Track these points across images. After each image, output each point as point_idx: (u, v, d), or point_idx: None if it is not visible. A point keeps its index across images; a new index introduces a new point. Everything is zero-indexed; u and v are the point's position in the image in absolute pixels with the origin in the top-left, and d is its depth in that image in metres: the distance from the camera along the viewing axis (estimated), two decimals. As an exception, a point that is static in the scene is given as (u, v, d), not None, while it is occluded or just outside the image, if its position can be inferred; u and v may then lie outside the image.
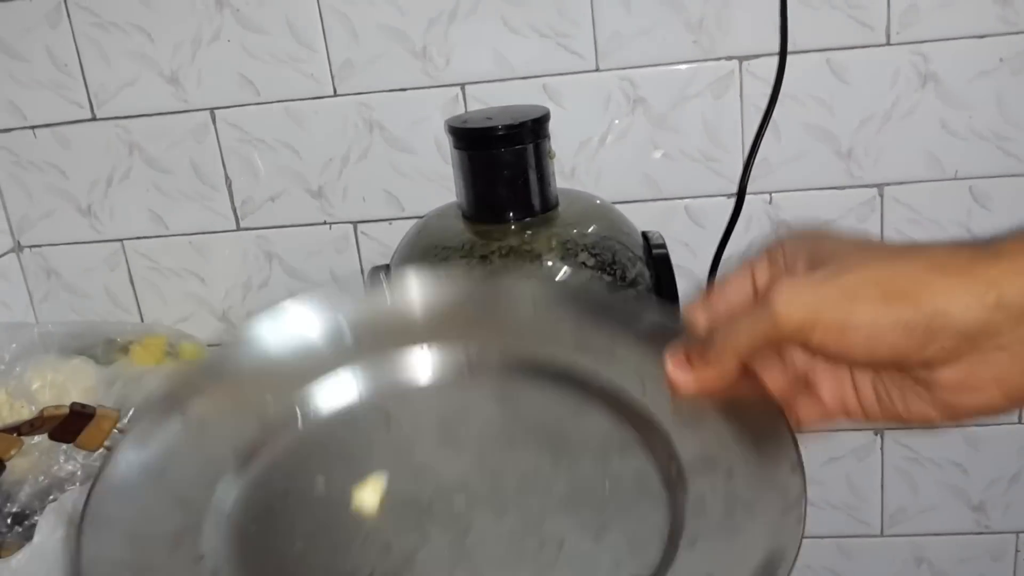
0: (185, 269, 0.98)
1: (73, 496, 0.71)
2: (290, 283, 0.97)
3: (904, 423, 0.44)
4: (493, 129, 0.74)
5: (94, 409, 0.72)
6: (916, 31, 0.81)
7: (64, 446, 0.76)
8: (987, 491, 0.95)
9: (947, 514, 0.97)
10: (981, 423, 0.93)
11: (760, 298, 0.43)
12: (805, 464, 0.98)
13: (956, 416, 0.42)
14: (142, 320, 1.00)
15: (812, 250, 0.44)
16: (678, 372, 0.47)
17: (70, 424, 0.71)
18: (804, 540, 1.01)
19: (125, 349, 0.92)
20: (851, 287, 0.40)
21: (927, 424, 0.43)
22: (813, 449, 0.95)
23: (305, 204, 0.93)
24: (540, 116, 0.75)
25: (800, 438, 0.45)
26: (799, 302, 0.41)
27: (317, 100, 0.90)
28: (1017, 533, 0.97)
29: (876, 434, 0.95)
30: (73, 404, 0.72)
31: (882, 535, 0.98)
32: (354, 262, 0.95)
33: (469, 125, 0.76)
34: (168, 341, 0.94)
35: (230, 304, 0.98)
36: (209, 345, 0.96)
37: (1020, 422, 0.92)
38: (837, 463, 0.96)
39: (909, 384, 0.42)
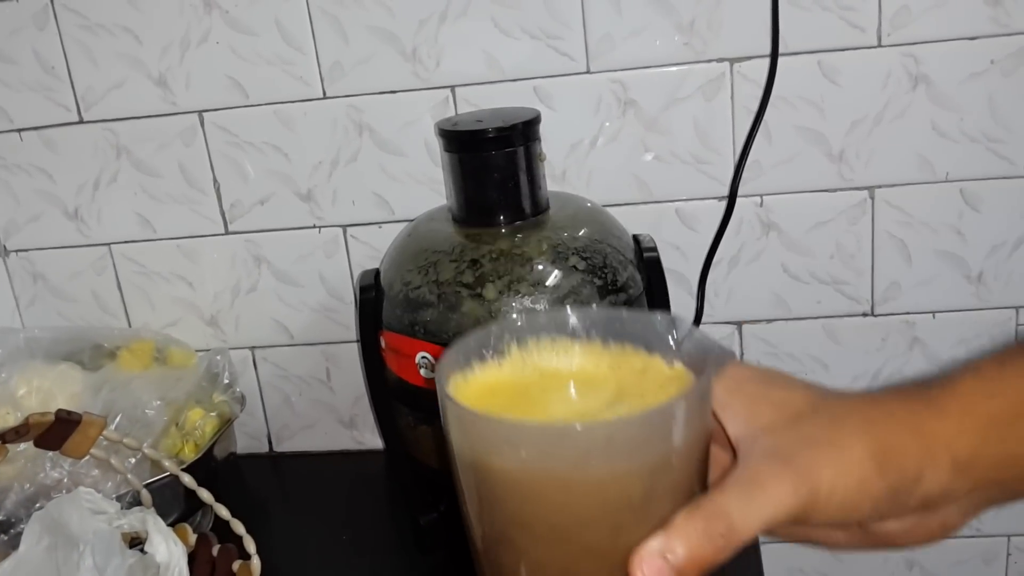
0: (173, 273, 0.97)
1: (59, 504, 0.70)
2: (279, 287, 0.96)
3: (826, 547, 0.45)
4: (483, 132, 0.73)
5: (80, 416, 0.72)
6: (907, 33, 0.81)
7: (50, 453, 0.76)
8: (979, 494, 0.95)
9: (939, 517, 0.96)
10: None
11: (781, 463, 0.40)
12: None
13: (886, 547, 0.43)
14: (130, 325, 0.99)
15: (771, 399, 0.42)
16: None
17: (56, 431, 0.70)
18: (797, 544, 1.01)
19: (112, 354, 0.92)
20: (855, 459, 0.40)
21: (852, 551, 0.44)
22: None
23: (294, 207, 0.93)
24: (531, 119, 0.75)
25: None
26: (841, 481, 0.39)
27: (306, 102, 0.89)
28: (1009, 536, 0.96)
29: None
30: (59, 411, 0.71)
31: (874, 538, 0.98)
32: (344, 266, 0.94)
33: (459, 128, 0.75)
34: (156, 346, 0.93)
35: (219, 308, 0.98)
36: (198, 351, 0.96)
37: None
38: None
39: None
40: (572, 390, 0.45)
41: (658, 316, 0.44)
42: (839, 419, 0.41)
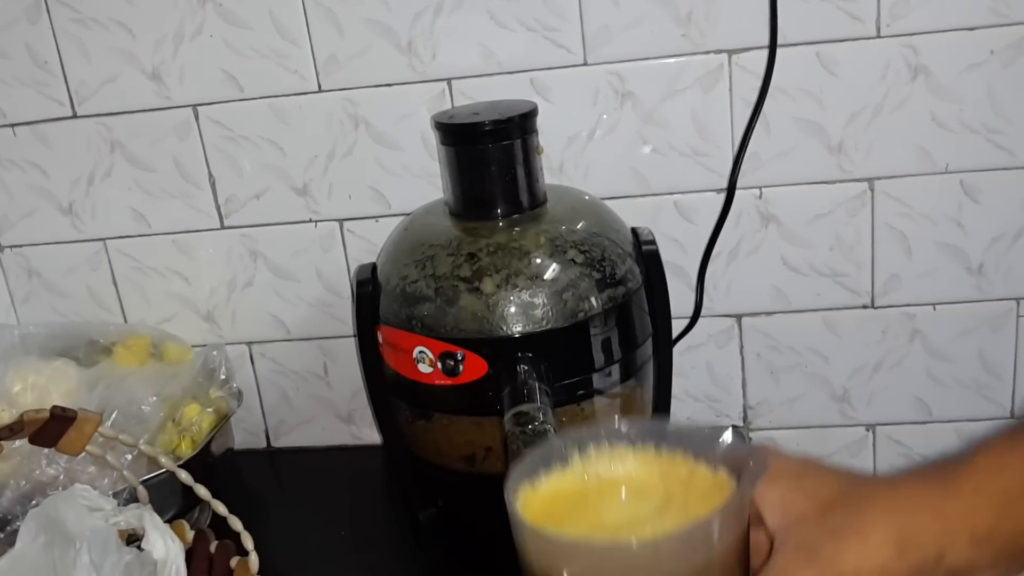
0: (169, 268, 0.96)
1: (55, 501, 0.70)
2: (275, 282, 0.95)
3: None
4: (480, 124, 0.73)
5: (75, 413, 0.71)
6: (906, 23, 0.81)
7: (46, 450, 0.75)
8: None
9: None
10: (971, 418, 0.92)
11: (806, 556, 0.45)
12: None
13: None
14: (125, 321, 0.99)
15: (804, 490, 0.47)
16: None
17: (51, 428, 0.70)
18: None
19: (108, 350, 0.91)
20: (876, 546, 0.44)
21: None
22: (805, 446, 0.95)
23: (290, 202, 0.92)
24: (528, 111, 0.74)
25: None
26: (864, 567, 0.44)
27: (301, 96, 0.89)
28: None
29: (868, 430, 0.94)
30: (54, 408, 0.70)
31: (874, 531, 0.98)
32: (340, 260, 0.94)
33: (455, 120, 0.74)
34: (152, 342, 0.93)
35: (215, 304, 0.97)
36: (194, 346, 0.95)
37: (1012, 416, 0.92)
38: (830, 459, 0.95)
39: None
40: (624, 497, 0.50)
41: (706, 428, 0.50)
42: (863, 508, 0.45)
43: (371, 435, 0.99)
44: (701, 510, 0.45)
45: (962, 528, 0.44)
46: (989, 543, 0.44)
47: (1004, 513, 0.44)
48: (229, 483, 0.91)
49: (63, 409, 0.71)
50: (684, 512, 0.47)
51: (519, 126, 0.73)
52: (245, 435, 1.01)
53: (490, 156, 0.74)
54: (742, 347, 0.93)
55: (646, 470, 0.50)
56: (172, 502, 0.81)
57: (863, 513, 0.45)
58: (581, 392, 0.73)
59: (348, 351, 0.97)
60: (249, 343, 0.98)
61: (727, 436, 0.49)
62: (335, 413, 1.00)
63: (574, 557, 0.45)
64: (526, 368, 0.69)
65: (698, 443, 0.50)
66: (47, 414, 0.70)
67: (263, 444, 1.02)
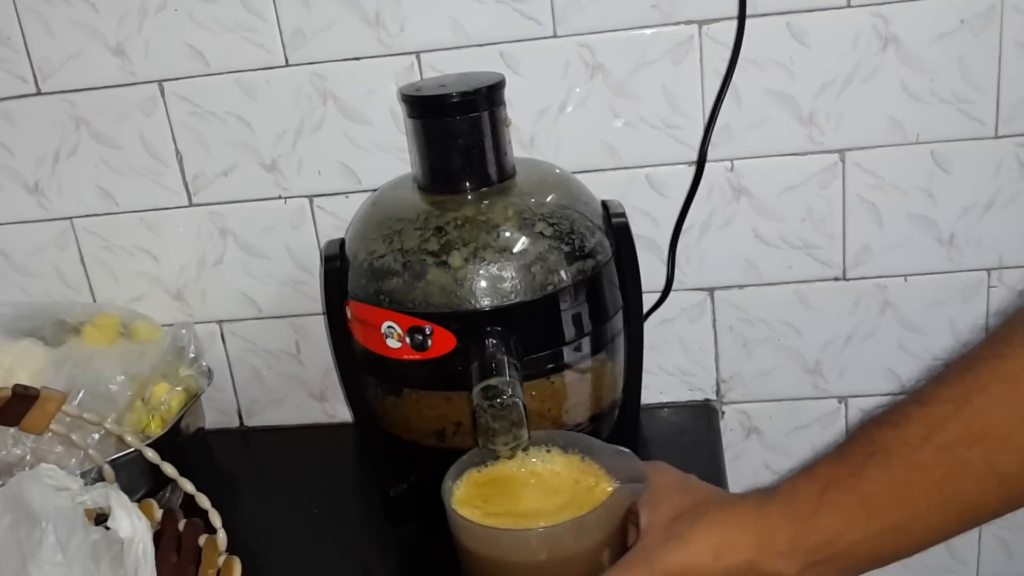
0: (137, 247, 0.95)
1: (20, 481, 0.69)
2: (245, 260, 0.94)
3: None
4: (447, 96, 0.72)
5: (38, 391, 0.70)
6: (876, -7, 0.80)
7: (12, 430, 0.74)
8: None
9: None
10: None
11: (641, 557, 0.57)
12: (771, 434, 0.97)
13: None
14: (94, 300, 0.98)
15: (670, 502, 0.60)
16: None
17: (13, 407, 0.69)
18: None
19: (76, 330, 0.90)
20: (696, 552, 0.56)
21: None
22: (777, 419, 0.95)
23: (259, 178, 0.91)
24: (495, 83, 0.73)
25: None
26: (684, 568, 0.56)
27: (269, 71, 0.88)
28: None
29: (840, 402, 0.94)
30: (15, 386, 0.69)
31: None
32: (311, 237, 0.93)
33: (422, 93, 0.74)
34: (121, 321, 0.92)
35: (184, 282, 0.96)
36: (164, 325, 0.94)
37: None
38: (802, 432, 0.96)
39: None
40: (540, 491, 0.64)
41: (624, 451, 0.64)
42: (697, 519, 0.57)
43: (344, 413, 0.99)
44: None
45: (768, 543, 0.54)
46: (793, 555, 0.54)
47: (796, 530, 0.54)
48: (201, 462, 0.91)
49: (25, 388, 0.70)
50: (576, 511, 0.59)
51: (486, 98, 0.73)
52: (218, 414, 1.00)
53: (457, 128, 0.73)
54: (714, 320, 0.93)
55: (565, 474, 0.64)
56: (142, 482, 0.80)
57: (695, 523, 0.57)
58: (551, 366, 0.73)
59: (320, 329, 0.96)
60: (220, 322, 0.98)
61: (630, 463, 0.62)
62: (308, 391, 0.99)
63: (494, 543, 0.60)
64: (495, 342, 0.69)
65: (613, 462, 0.63)
66: (9, 392, 0.69)
67: (236, 423, 1.02)
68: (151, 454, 0.75)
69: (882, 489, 0.52)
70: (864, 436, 0.54)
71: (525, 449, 0.65)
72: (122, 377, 0.82)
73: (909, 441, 0.52)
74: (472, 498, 0.63)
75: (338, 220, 0.92)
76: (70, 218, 0.95)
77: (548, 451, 0.66)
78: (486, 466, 0.65)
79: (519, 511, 0.62)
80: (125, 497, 0.69)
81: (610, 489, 0.61)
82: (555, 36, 0.84)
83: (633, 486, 0.60)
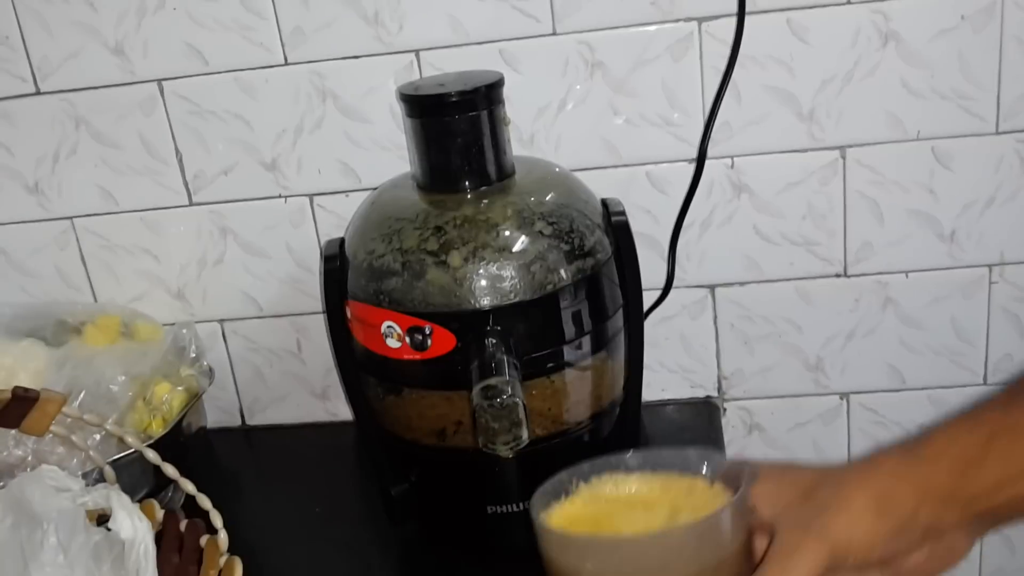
0: (137, 246, 0.95)
1: (22, 482, 0.69)
2: (246, 259, 0.94)
3: None
4: (445, 96, 0.72)
5: (37, 393, 0.70)
6: (877, -11, 0.80)
7: (13, 431, 0.74)
8: (953, 453, 0.95)
9: (914, 476, 0.96)
10: (944, 385, 0.92)
11: (802, 530, 0.50)
12: (772, 430, 0.97)
13: None
14: (95, 300, 0.98)
15: (788, 483, 0.53)
16: None
17: (13, 409, 0.69)
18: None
19: (77, 330, 0.90)
20: (858, 512, 0.50)
21: None
22: (779, 416, 0.95)
23: (259, 177, 0.91)
24: (494, 82, 0.73)
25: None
26: (852, 532, 0.49)
27: (268, 69, 0.87)
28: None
29: (841, 399, 0.94)
30: (15, 388, 0.69)
31: (849, 499, 0.98)
32: (311, 236, 0.93)
33: (421, 92, 0.74)
34: (122, 321, 0.92)
35: (185, 281, 0.96)
36: (166, 325, 0.94)
37: (985, 383, 0.92)
38: (804, 428, 0.96)
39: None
40: (636, 512, 0.54)
41: (690, 449, 0.56)
42: (841, 485, 0.51)
43: (345, 411, 0.99)
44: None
45: (927, 489, 0.50)
46: (953, 502, 0.50)
47: (959, 477, 0.50)
48: (203, 462, 0.91)
49: (25, 390, 0.70)
50: (693, 518, 0.51)
51: (485, 97, 0.73)
52: (220, 413, 1.01)
53: (456, 128, 0.73)
54: (715, 317, 0.92)
55: (648, 489, 0.55)
56: (144, 482, 0.81)
57: (842, 489, 0.51)
58: (551, 365, 0.73)
59: (321, 327, 0.96)
60: (221, 321, 0.98)
61: (712, 455, 0.55)
62: (309, 390, 0.99)
63: (600, 554, 0.50)
64: (494, 341, 0.68)
65: (687, 463, 0.55)
66: (9, 395, 0.69)
67: (238, 422, 1.02)
68: (152, 455, 0.75)
69: None
70: None
71: (587, 481, 0.56)
72: (123, 377, 0.82)
73: None
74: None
75: (338, 219, 0.91)
76: (70, 218, 0.95)
77: (611, 475, 0.56)
78: (553, 509, 0.55)
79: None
80: (126, 498, 0.69)
81: (710, 488, 0.54)
82: (554, 34, 0.84)
83: (750, 475, 0.52)
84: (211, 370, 0.91)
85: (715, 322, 0.93)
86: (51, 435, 0.74)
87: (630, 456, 0.57)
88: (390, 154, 0.89)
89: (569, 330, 0.73)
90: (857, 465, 0.53)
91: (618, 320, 0.77)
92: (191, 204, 0.93)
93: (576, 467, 0.56)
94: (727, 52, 0.83)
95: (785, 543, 0.50)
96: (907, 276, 0.89)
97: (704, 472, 0.55)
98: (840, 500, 0.50)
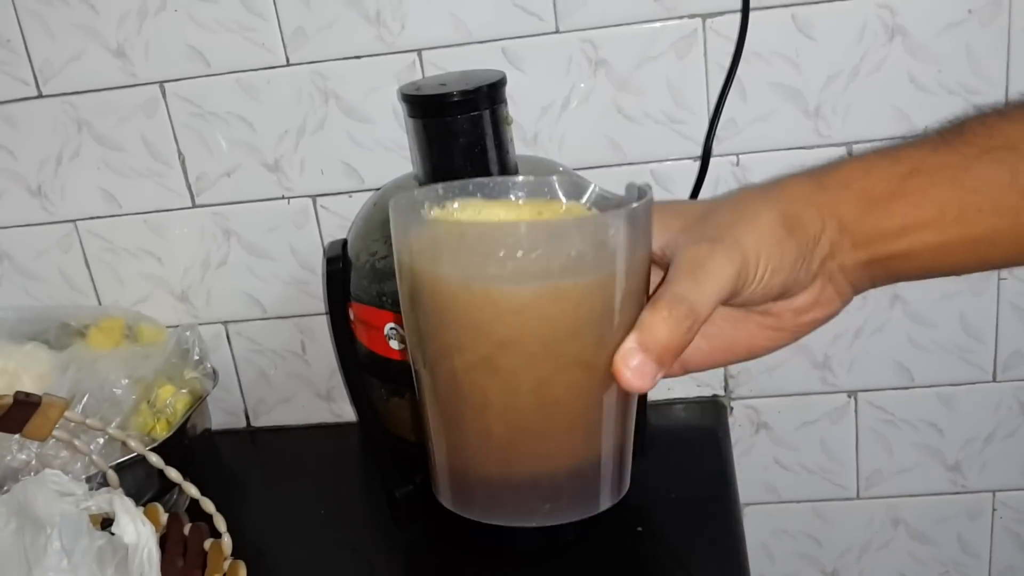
0: (141, 249, 0.95)
1: (25, 487, 0.69)
2: (250, 260, 0.94)
3: (745, 358, 0.53)
4: (447, 96, 0.71)
5: (39, 398, 0.70)
6: (882, -17, 0.79)
7: (16, 436, 0.74)
8: (963, 451, 0.94)
9: (923, 475, 0.96)
10: (953, 383, 0.92)
11: (710, 243, 0.45)
12: (779, 429, 0.96)
13: (800, 333, 0.51)
14: (99, 303, 0.97)
15: (679, 211, 0.49)
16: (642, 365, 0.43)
17: (15, 414, 0.68)
18: (780, 505, 1.00)
19: (81, 333, 0.90)
20: (769, 225, 0.46)
21: (769, 350, 0.52)
22: (786, 414, 0.95)
23: (262, 178, 0.91)
24: (496, 81, 0.73)
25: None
26: (762, 245, 0.45)
27: (270, 70, 0.87)
28: (993, 492, 0.96)
29: (849, 396, 0.94)
30: (17, 393, 0.69)
31: (858, 498, 0.98)
32: (315, 237, 0.93)
33: (422, 92, 0.73)
34: (126, 323, 0.92)
35: (189, 284, 0.96)
36: (169, 327, 0.94)
37: (995, 380, 0.91)
38: (812, 427, 0.95)
39: (755, 318, 0.50)
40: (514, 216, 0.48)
41: (564, 174, 0.49)
42: (744, 202, 0.48)
43: (350, 413, 0.99)
44: None
45: (831, 215, 0.47)
46: (853, 235, 0.47)
47: (867, 210, 0.46)
48: (208, 464, 0.91)
49: (27, 394, 0.70)
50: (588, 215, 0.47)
51: (487, 96, 0.72)
52: (225, 415, 1.00)
53: (458, 128, 0.72)
54: (722, 316, 0.92)
55: (520, 211, 0.49)
56: (149, 485, 0.80)
57: (747, 205, 0.47)
58: (555, 365, 0.72)
59: (325, 329, 0.96)
60: (225, 322, 0.97)
61: (593, 187, 0.49)
62: (314, 391, 0.99)
63: (514, 246, 0.42)
64: (498, 342, 0.68)
65: (561, 189, 0.50)
66: (11, 400, 0.68)
67: (243, 424, 1.02)
68: (155, 459, 0.75)
69: (991, 191, 0.44)
70: (982, 127, 0.46)
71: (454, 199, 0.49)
72: (127, 380, 0.82)
73: None
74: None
75: (342, 220, 0.91)
76: (73, 221, 0.95)
77: (484, 201, 0.49)
78: (429, 215, 0.48)
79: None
80: (130, 502, 0.69)
81: (592, 211, 0.49)
82: (557, 32, 0.83)
83: (641, 193, 0.46)
84: (215, 372, 0.91)
85: (721, 321, 0.92)
86: (54, 439, 0.74)
87: (491, 180, 0.50)
88: (393, 155, 0.88)
89: (573, 330, 0.72)
90: (758, 188, 0.49)
91: (623, 320, 0.76)
92: (194, 206, 0.93)
93: (430, 187, 0.49)
94: (732, 48, 0.82)
95: (694, 256, 0.45)
96: (915, 273, 0.88)
97: (584, 200, 0.49)
98: (748, 215, 0.46)
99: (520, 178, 0.50)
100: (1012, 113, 0.47)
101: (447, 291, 0.44)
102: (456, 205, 0.49)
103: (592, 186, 0.50)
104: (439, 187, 0.49)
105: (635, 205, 0.45)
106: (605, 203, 0.49)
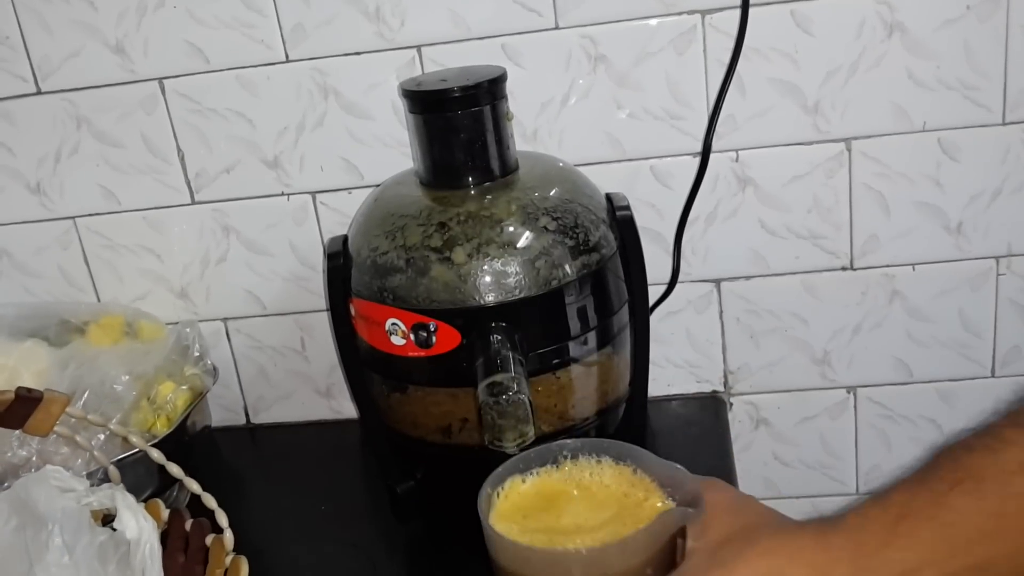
0: (140, 246, 0.95)
1: (26, 483, 0.69)
2: (249, 257, 0.94)
3: None
4: (448, 91, 0.72)
5: (41, 393, 0.70)
6: (881, -21, 0.79)
7: (17, 432, 0.74)
8: (961, 446, 0.95)
9: (922, 470, 0.96)
10: (952, 378, 0.92)
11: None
12: (779, 425, 0.96)
13: None
14: (99, 300, 0.97)
15: (720, 522, 0.54)
16: None
17: (16, 410, 0.68)
18: (780, 500, 1.00)
19: (80, 330, 0.90)
20: None
21: None
22: (786, 410, 0.95)
23: (261, 175, 0.91)
24: (496, 76, 0.73)
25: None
26: None
27: (269, 67, 0.87)
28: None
29: (849, 392, 0.94)
30: (19, 389, 0.69)
31: (857, 493, 0.98)
32: (314, 233, 0.93)
33: (423, 88, 0.73)
34: (125, 320, 0.92)
35: (189, 280, 0.96)
36: (169, 324, 0.94)
37: (993, 376, 0.92)
38: (811, 422, 0.95)
39: None
40: (585, 505, 0.58)
41: (679, 468, 0.57)
42: (746, 547, 0.51)
43: (350, 409, 0.99)
44: (630, 530, 0.54)
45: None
46: None
47: (863, 567, 0.48)
48: (208, 460, 0.91)
49: (28, 390, 0.69)
50: (620, 528, 0.55)
51: (488, 92, 0.72)
52: (224, 412, 1.00)
53: (459, 123, 0.72)
54: (721, 312, 0.92)
55: (615, 485, 0.58)
56: (150, 481, 0.80)
57: (742, 552, 0.51)
58: (556, 361, 0.72)
59: (325, 325, 0.96)
60: (225, 319, 0.97)
61: (688, 478, 0.56)
62: (314, 388, 0.99)
63: (527, 560, 0.55)
64: (499, 338, 0.68)
65: (666, 476, 0.57)
66: (12, 395, 0.68)
67: (242, 420, 1.02)
68: (156, 454, 0.75)
69: (969, 521, 0.47)
70: (950, 461, 0.48)
71: (575, 458, 0.60)
72: (127, 377, 0.82)
73: (1005, 467, 0.46)
74: (511, 512, 0.58)
75: (341, 216, 0.91)
76: (73, 217, 0.94)
77: (599, 461, 0.59)
78: (531, 474, 0.59)
79: (560, 527, 0.56)
80: (131, 498, 0.69)
81: (660, 506, 0.56)
82: (557, 28, 0.83)
83: (685, 511, 0.54)
84: (215, 369, 0.91)
85: (721, 316, 0.92)
86: (55, 435, 0.74)
87: (624, 448, 0.59)
88: (393, 151, 0.88)
89: (574, 326, 0.72)
90: (771, 530, 0.53)
91: (623, 315, 0.77)
92: (193, 203, 0.93)
93: (571, 441, 0.59)
94: (731, 45, 0.82)
95: None
96: (914, 269, 0.89)
97: (671, 489, 0.57)
98: (729, 565, 0.51)
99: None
100: (974, 444, 0.48)
101: None
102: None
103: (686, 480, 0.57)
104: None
105: (650, 526, 0.53)
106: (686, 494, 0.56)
